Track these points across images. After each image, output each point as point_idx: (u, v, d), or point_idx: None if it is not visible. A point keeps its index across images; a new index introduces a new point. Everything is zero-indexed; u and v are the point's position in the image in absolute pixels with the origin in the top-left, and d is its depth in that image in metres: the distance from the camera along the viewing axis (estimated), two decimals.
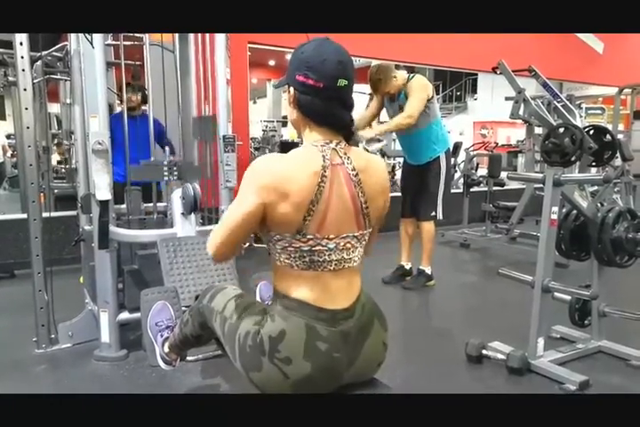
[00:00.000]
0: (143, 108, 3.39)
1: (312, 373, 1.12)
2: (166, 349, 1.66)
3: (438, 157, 3.29)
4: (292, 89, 1.17)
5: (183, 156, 2.80)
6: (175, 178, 2.44)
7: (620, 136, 4.84)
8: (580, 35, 6.34)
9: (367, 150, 3.10)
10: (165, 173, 2.41)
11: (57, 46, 3.27)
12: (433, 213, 3.32)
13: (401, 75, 3.25)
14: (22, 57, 2.18)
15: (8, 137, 7.87)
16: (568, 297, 2.34)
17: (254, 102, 14.23)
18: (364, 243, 1.22)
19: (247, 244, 1.35)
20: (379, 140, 3.26)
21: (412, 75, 3.27)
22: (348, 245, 1.17)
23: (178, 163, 2.50)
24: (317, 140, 1.16)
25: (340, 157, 1.16)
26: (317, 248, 1.14)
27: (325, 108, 1.15)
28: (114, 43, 3.17)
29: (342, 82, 1.13)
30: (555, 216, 2.10)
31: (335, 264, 1.16)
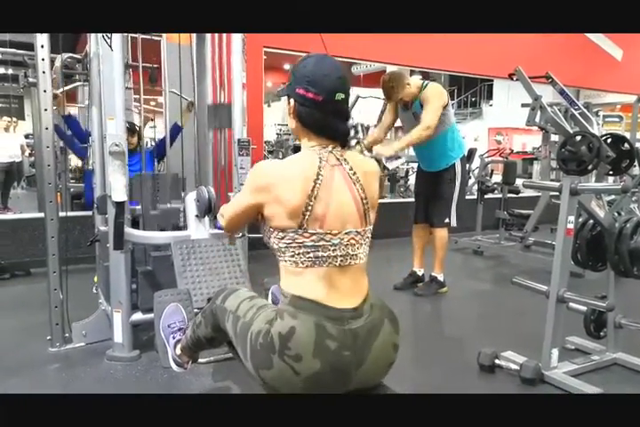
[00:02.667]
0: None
1: (322, 370, 1.13)
2: (178, 351, 1.67)
3: (454, 163, 3.27)
4: (292, 100, 1.26)
5: (199, 161, 2.82)
6: None
7: (638, 145, 4.77)
8: (598, 41, 6.28)
9: (388, 169, 3.12)
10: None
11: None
12: (447, 220, 3.29)
13: (414, 82, 3.22)
14: (43, 59, 2.22)
15: (27, 137, 7.97)
16: (583, 308, 2.31)
17: (269, 106, 14.26)
18: (367, 240, 1.27)
19: (241, 234, 1.62)
20: (398, 157, 3.21)
21: (426, 82, 3.21)
22: (353, 241, 1.23)
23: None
24: (314, 146, 1.26)
25: (337, 159, 1.25)
26: (321, 243, 1.19)
27: (323, 119, 1.24)
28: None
29: (340, 95, 1.23)
30: (571, 225, 2.08)
31: (341, 260, 1.20)
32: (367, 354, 1.18)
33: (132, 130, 3.18)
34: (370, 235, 1.29)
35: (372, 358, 1.19)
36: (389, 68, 5.78)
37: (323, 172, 1.20)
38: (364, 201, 1.24)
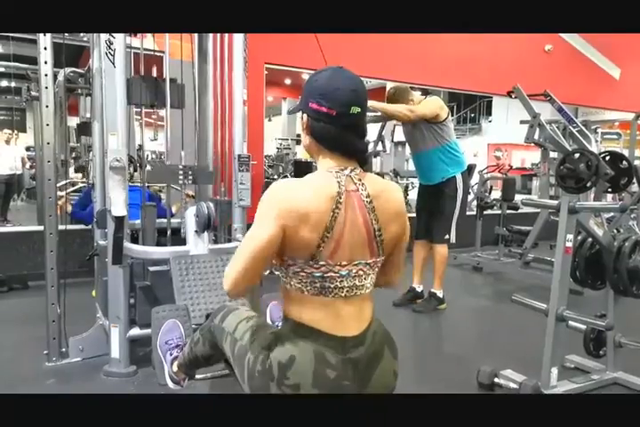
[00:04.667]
0: None
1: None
2: (175, 368, 1.65)
3: (454, 177, 3.29)
4: (305, 115, 1.19)
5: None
6: (190, 182, 2.48)
7: (636, 162, 4.79)
8: (596, 60, 6.36)
9: None
10: (180, 178, 2.45)
11: None
12: (447, 237, 3.30)
13: (418, 97, 3.31)
14: (46, 75, 2.24)
15: (27, 149, 8.02)
16: (583, 326, 2.30)
17: (269, 120, 14.37)
18: (376, 270, 1.20)
19: (267, 271, 1.27)
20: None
21: (428, 97, 3.32)
22: (361, 273, 1.16)
23: (193, 167, 2.52)
24: (332, 167, 1.16)
25: (355, 184, 1.15)
26: (329, 274, 1.13)
27: (338, 134, 1.15)
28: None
29: (355, 109, 1.14)
30: (570, 244, 2.08)
31: (347, 291, 1.15)
32: (367, 382, 1.16)
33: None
34: (380, 265, 1.21)
35: (373, 386, 1.17)
36: (389, 85, 5.84)
37: (342, 199, 1.11)
38: (377, 232, 1.15)
